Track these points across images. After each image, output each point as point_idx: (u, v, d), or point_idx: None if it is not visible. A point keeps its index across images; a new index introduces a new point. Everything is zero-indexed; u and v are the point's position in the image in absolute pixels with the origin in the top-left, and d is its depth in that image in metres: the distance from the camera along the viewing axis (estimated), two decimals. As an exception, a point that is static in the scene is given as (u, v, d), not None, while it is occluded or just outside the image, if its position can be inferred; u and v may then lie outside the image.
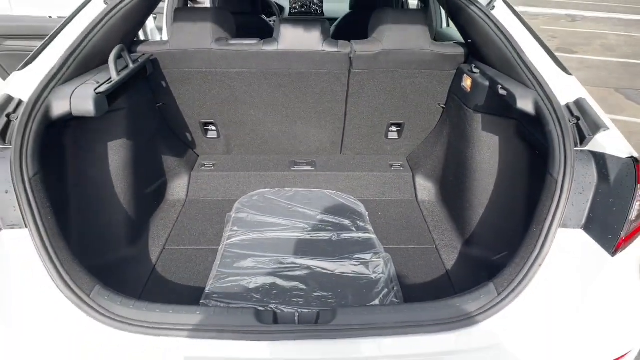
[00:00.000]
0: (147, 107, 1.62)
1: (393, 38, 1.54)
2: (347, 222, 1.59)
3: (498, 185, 1.49)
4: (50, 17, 2.43)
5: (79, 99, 1.18)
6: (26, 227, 0.98)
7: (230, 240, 1.48)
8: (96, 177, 1.40)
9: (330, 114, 1.79)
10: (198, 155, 1.98)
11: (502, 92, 1.30)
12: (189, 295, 1.32)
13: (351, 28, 2.42)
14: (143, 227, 1.56)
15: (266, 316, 0.98)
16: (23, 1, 2.28)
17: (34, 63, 1.25)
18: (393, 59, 1.58)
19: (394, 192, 1.86)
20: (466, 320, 0.98)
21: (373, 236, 1.52)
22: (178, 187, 1.82)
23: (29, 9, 2.38)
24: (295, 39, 1.54)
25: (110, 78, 1.30)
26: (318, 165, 1.92)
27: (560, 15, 9.73)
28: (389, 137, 1.94)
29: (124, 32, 1.43)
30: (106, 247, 1.40)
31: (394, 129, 1.91)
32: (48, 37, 1.35)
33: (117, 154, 1.46)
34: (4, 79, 2.45)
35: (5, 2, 2.22)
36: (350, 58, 1.57)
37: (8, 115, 1.09)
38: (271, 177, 1.87)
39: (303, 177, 1.88)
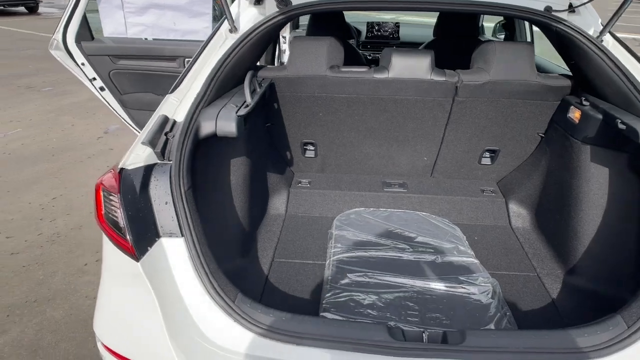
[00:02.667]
0: (262, 128, 1.76)
1: (500, 69, 1.59)
2: (447, 245, 1.62)
3: (607, 217, 1.47)
4: (145, 39, 2.67)
5: (224, 120, 1.30)
6: (182, 236, 1.09)
7: (336, 256, 1.56)
8: (223, 192, 1.53)
9: (427, 138, 1.85)
10: (294, 173, 2.10)
11: (621, 126, 1.31)
12: (304, 307, 1.40)
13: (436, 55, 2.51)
14: (253, 240, 1.67)
15: (397, 333, 1.03)
16: (135, 25, 2.50)
17: (181, 86, 1.40)
18: (499, 89, 1.62)
19: (488, 217, 1.88)
20: (597, 351, 0.98)
21: (476, 260, 1.54)
22: (278, 203, 1.94)
23: (140, 33, 2.61)
24: (404, 67, 1.62)
25: (245, 101, 1.43)
26: (409, 187, 1.98)
27: (626, 38, 9.33)
28: (482, 163, 1.97)
29: (251, 58, 1.57)
30: (228, 257, 1.51)
31: (487, 154, 1.94)
32: (189, 64, 1.51)
33: (238, 170, 1.59)
34: (116, 96, 2.70)
35: (122, 26, 2.44)
36: (456, 87, 1.63)
37: (166, 134, 1.23)
38: (364, 196, 1.95)
39: (395, 198, 1.94)
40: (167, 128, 1.23)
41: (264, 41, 1.60)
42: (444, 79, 1.61)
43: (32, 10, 13.14)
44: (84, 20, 2.43)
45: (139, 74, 2.64)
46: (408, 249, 1.59)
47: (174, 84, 1.42)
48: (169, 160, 1.18)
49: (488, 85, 1.61)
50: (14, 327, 2.04)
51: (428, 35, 3.71)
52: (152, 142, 1.17)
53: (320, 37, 1.69)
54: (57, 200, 3.10)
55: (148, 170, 1.14)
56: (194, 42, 2.67)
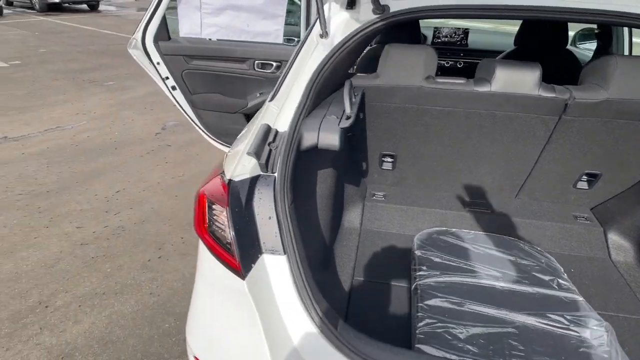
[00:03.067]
0: (345, 138, 1.70)
1: (622, 87, 1.44)
2: (544, 276, 1.49)
3: None
4: (209, 39, 2.67)
5: (326, 132, 1.25)
6: (284, 253, 1.04)
7: (423, 280, 1.46)
8: (311, 204, 1.47)
9: (520, 157, 1.73)
10: (367, 185, 2.03)
11: None
12: (393, 334, 1.32)
13: None
14: (332, 254, 1.61)
15: None
16: (210, 26, 2.50)
17: (279, 94, 1.36)
18: (616, 109, 1.48)
19: (583, 247, 1.73)
20: None
21: (580, 298, 1.40)
22: (353, 215, 1.87)
23: (214, 34, 2.62)
24: (509, 81, 1.51)
25: (345, 112, 1.37)
26: (494, 207, 1.85)
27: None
28: (577, 187, 1.81)
29: (346, 66, 1.51)
30: (313, 272, 1.46)
31: (585, 178, 1.79)
32: (284, 70, 1.47)
33: (324, 183, 1.53)
34: (186, 96, 2.73)
35: (198, 26, 2.45)
36: (566, 104, 1.50)
37: (269, 144, 1.18)
38: (444, 215, 1.84)
39: (478, 218, 1.82)
40: (270, 138, 1.19)
41: (359, 48, 1.54)
42: (554, 96, 1.48)
43: (94, 8, 13.83)
44: (163, 21, 2.47)
45: (209, 74, 2.66)
46: (501, 277, 1.48)
47: (273, 91, 1.38)
48: (272, 173, 1.14)
49: (604, 105, 1.46)
50: (85, 318, 2.08)
51: (498, 43, 3.54)
52: (257, 153, 1.13)
53: (416, 45, 1.61)
54: (121, 193, 3.18)
55: (253, 182, 1.10)
56: (265, 44, 2.66)
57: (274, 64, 2.66)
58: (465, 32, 3.53)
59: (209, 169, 3.51)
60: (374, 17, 1.43)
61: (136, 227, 2.80)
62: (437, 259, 1.57)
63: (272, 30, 2.60)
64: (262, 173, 1.14)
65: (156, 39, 2.49)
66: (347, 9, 1.55)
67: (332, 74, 1.45)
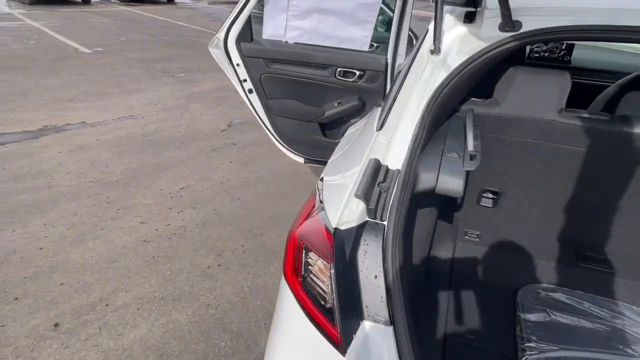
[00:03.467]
0: None
1: None
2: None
3: None
4: (285, 42, 2.52)
5: (448, 176, 1.04)
6: (391, 324, 0.85)
7: (537, 355, 1.22)
8: (408, 249, 1.28)
9: None
10: (458, 221, 1.80)
11: None
12: None
13: None
14: (422, 305, 1.40)
15: None
16: (295, 29, 2.35)
17: (387, 122, 1.17)
18: None
19: None
20: None
21: None
22: (443, 256, 1.65)
23: (298, 37, 2.48)
24: None
25: (466, 148, 1.16)
26: (615, 266, 1.55)
27: None
28: None
29: (465, 90, 1.29)
30: None
31: None
32: (392, 92, 1.28)
33: (423, 223, 1.33)
34: (262, 100, 2.63)
35: (282, 29, 2.30)
36: None
37: (379, 184, 1.00)
38: (551, 268, 1.57)
39: (595, 277, 1.53)
40: (380, 177, 1.00)
41: (482, 72, 1.31)
42: None
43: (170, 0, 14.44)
44: (248, 21, 2.37)
45: (288, 79, 2.53)
46: (636, 356, 1.20)
47: (381, 119, 1.19)
48: (382, 220, 0.95)
49: None
50: (143, 323, 2.02)
51: (608, 61, 3.10)
52: (366, 196, 0.95)
53: (548, 70, 1.35)
54: (185, 191, 3.15)
55: (359, 230, 0.93)
56: (349, 51, 2.48)
57: (357, 72, 2.48)
58: (570, 47, 3.14)
59: (272, 172, 3.38)
60: (501, 35, 1.20)
61: (198, 229, 2.74)
62: (549, 327, 1.31)
63: (359, 36, 2.42)
64: (369, 219, 0.96)
65: (239, 40, 2.40)
66: (464, 22, 1.33)
67: (448, 99, 1.24)
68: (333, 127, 2.67)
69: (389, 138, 1.10)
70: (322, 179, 1.25)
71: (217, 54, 2.47)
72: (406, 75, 1.30)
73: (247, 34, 2.41)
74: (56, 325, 1.98)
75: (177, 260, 2.46)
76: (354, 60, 2.44)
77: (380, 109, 1.33)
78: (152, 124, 4.28)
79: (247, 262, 2.49)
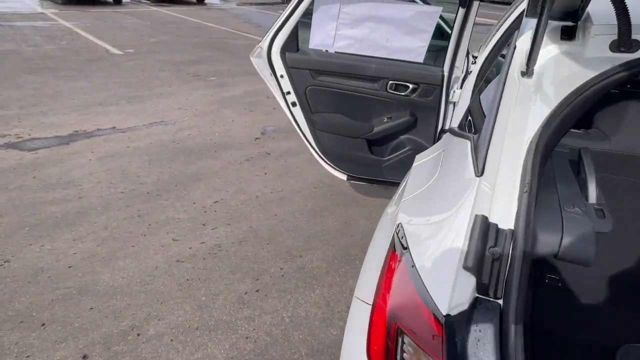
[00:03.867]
0: None
1: None
2: None
3: None
4: (326, 50, 2.32)
5: (576, 240, 0.81)
6: None
7: None
8: None
9: None
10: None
11: None
12: None
13: None
14: None
15: None
16: (344, 38, 2.14)
17: (488, 166, 0.95)
18: None
19: None
20: None
21: None
22: (520, 307, 1.40)
23: (347, 47, 2.27)
24: None
25: (588, 197, 0.93)
26: None
27: None
28: None
29: (571, 124, 1.06)
30: None
31: None
32: (486, 129, 1.05)
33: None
34: (306, 114, 2.44)
35: (330, 38, 2.10)
36: None
37: (490, 249, 0.78)
38: None
39: None
40: (491, 240, 0.79)
41: (592, 101, 1.08)
42: None
43: (200, 0, 14.48)
44: (295, 30, 2.18)
45: (334, 92, 2.33)
46: None
47: (479, 160, 0.97)
48: (497, 298, 0.74)
49: None
50: (177, 357, 1.86)
51: None
52: (478, 267, 0.73)
53: None
54: (219, 205, 2.99)
55: (470, 313, 0.72)
56: (402, 62, 2.27)
57: (411, 85, 2.26)
58: None
59: (309, 186, 3.16)
60: (614, 56, 0.96)
61: (233, 248, 2.57)
62: None
63: (414, 47, 2.20)
64: (479, 296, 0.75)
65: (283, 50, 2.21)
66: (562, 39, 1.10)
67: (555, 135, 1.01)
68: (381, 144, 2.46)
69: (493, 186, 0.88)
70: (400, 225, 1.03)
71: (259, 64, 2.29)
72: (499, 106, 1.07)
73: (293, 43, 2.22)
74: (84, 357, 1.83)
75: (213, 283, 2.29)
76: (407, 73, 2.23)
77: (469, 143, 1.10)
78: (184, 130, 4.15)
79: (287, 288, 2.30)
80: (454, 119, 2.33)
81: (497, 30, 2.66)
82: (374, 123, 2.35)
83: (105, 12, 11.22)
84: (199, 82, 5.69)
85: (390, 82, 2.24)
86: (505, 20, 2.59)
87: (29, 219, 2.68)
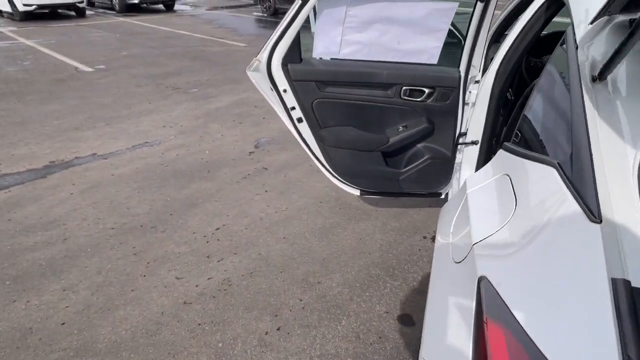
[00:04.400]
0: None
1: None
2: None
3: None
4: (332, 59, 2.11)
5: None
6: None
7: None
8: None
9: None
10: None
11: None
12: None
13: None
14: None
15: None
16: (351, 44, 1.95)
17: (605, 213, 0.75)
18: None
19: None
20: None
21: None
22: None
23: (354, 53, 2.07)
24: None
25: None
26: None
27: None
28: None
29: None
30: None
31: None
32: (579, 148, 0.86)
33: None
34: (314, 130, 2.21)
35: (336, 45, 1.89)
36: None
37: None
38: None
39: None
40: None
41: None
42: None
43: (169, 7, 14.02)
44: (297, 39, 1.96)
45: (344, 104, 2.12)
46: None
47: (589, 199, 0.77)
48: None
49: None
50: None
51: None
52: None
53: None
54: (221, 232, 2.75)
55: None
56: (414, 65, 2.07)
57: (426, 90, 2.07)
58: None
59: (314, 201, 2.92)
60: None
61: (244, 282, 2.33)
62: None
63: (428, 47, 2.01)
64: None
65: (285, 62, 1.98)
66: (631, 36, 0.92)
67: None
68: (397, 155, 2.26)
69: (618, 235, 0.69)
70: (488, 283, 0.82)
71: (257, 78, 2.06)
72: (586, 123, 0.89)
73: (295, 54, 1.99)
74: None
75: (228, 326, 2.05)
76: (422, 77, 2.04)
77: (556, 172, 0.90)
78: (171, 150, 3.87)
79: (310, 322, 2.09)
80: (471, 123, 2.15)
81: (505, 23, 2.50)
82: (389, 133, 2.16)
83: (68, 27, 10.69)
84: (180, 95, 5.39)
85: (405, 87, 2.05)
86: (513, 13, 2.42)
87: (9, 271, 2.38)
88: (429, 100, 2.08)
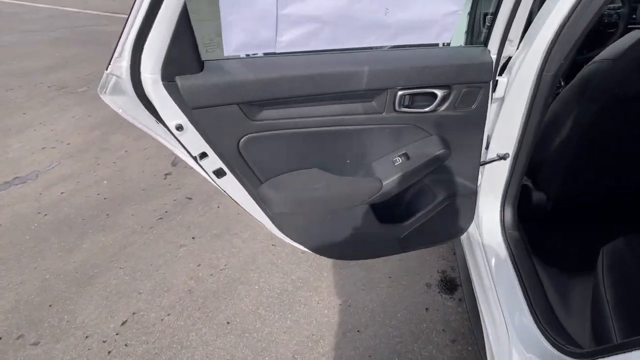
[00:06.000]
0: None
1: None
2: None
3: None
4: (265, 54, 1.18)
5: None
6: None
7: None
8: None
9: None
10: None
11: None
12: None
13: None
14: None
15: None
16: (297, 23, 1.01)
17: None
18: None
19: None
20: None
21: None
22: None
23: (305, 41, 1.14)
24: None
25: None
26: None
27: None
28: None
29: None
30: None
31: None
32: None
33: None
34: (249, 188, 1.27)
35: (269, 29, 0.95)
36: None
37: None
38: None
39: None
40: None
41: None
42: None
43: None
44: (183, 22, 0.96)
45: (295, 135, 1.19)
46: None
47: None
48: None
49: None
50: None
51: None
52: None
53: None
54: (130, 328, 1.82)
55: None
56: (418, 49, 1.20)
57: (439, 93, 1.21)
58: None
59: (266, 246, 1.94)
60: None
61: None
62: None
63: (438, 15, 1.16)
64: None
65: (169, 73, 1.00)
66: None
67: None
68: (395, 201, 1.38)
69: None
70: None
71: (124, 105, 1.06)
72: None
73: (188, 55, 1.00)
74: None
75: None
76: (431, 70, 1.18)
77: None
78: (53, 187, 2.75)
79: None
80: (498, 127, 1.37)
81: None
82: (381, 172, 1.28)
83: None
84: (66, 98, 4.10)
85: (401, 92, 1.17)
86: None
87: None
88: (443, 108, 1.23)
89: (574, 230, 1.64)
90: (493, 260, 1.50)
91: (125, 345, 1.73)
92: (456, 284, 1.96)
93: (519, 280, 1.37)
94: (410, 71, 1.15)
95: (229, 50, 1.08)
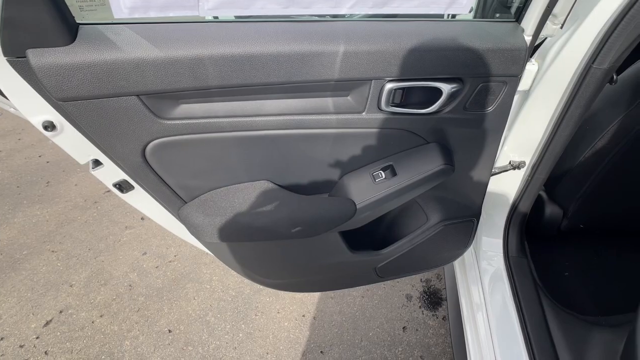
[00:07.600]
0: None
1: None
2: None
3: None
4: (207, 18, 0.79)
5: None
6: None
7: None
8: None
9: None
10: None
11: None
12: None
13: None
14: None
15: None
16: None
17: None
18: None
19: None
20: None
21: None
22: None
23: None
24: None
25: None
26: None
27: None
28: None
29: None
30: None
31: None
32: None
33: None
34: (172, 209, 0.93)
35: None
36: None
37: None
38: None
39: None
40: None
41: None
42: None
43: None
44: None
45: (229, 140, 0.83)
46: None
47: None
48: None
49: None
50: None
51: None
52: None
53: None
54: (63, 324, 1.55)
55: None
56: (420, 23, 0.81)
57: (445, 87, 0.84)
58: None
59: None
60: None
61: None
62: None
63: None
64: None
65: (17, 43, 0.62)
66: None
67: None
68: (375, 223, 1.03)
69: None
70: None
71: None
72: None
73: (50, 15, 0.62)
74: None
75: None
76: (436, 53, 0.79)
77: None
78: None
79: None
80: (516, 128, 1.04)
81: None
82: (355, 189, 0.93)
83: None
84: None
85: (390, 86, 0.80)
86: None
87: None
88: (448, 110, 0.86)
89: (598, 258, 1.34)
90: (489, 290, 1.21)
91: (45, 353, 1.47)
92: (440, 298, 1.69)
93: (519, 318, 1.09)
94: (406, 55, 0.77)
95: (121, 10, 0.69)
